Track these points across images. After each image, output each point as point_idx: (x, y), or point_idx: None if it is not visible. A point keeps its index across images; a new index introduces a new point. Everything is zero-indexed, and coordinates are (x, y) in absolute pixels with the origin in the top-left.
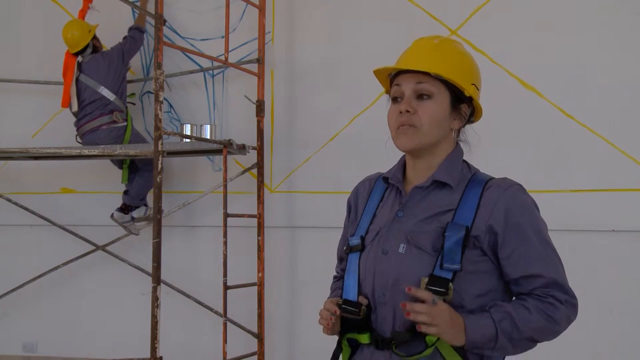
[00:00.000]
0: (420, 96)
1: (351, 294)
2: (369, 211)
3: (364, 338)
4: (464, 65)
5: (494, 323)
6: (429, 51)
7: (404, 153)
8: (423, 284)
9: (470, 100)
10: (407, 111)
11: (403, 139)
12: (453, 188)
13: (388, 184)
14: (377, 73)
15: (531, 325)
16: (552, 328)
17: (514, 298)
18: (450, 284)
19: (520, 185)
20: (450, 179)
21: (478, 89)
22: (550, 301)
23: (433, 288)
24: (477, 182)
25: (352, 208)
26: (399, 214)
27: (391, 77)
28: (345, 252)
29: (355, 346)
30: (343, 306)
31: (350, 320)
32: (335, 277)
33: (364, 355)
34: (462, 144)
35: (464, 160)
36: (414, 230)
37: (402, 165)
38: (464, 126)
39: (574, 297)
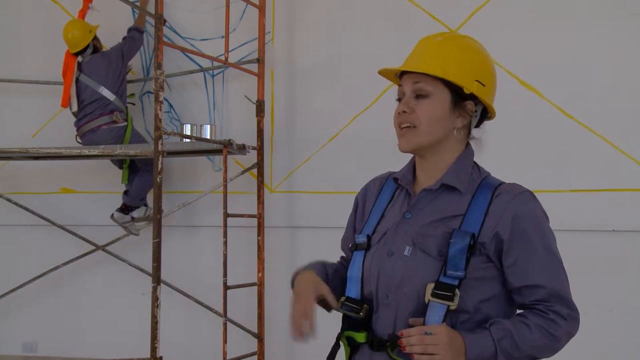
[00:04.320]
0: (418, 95)
1: (354, 292)
2: (377, 210)
3: (361, 337)
4: (465, 62)
5: (493, 342)
6: (429, 50)
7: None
8: (429, 289)
9: (476, 97)
10: (405, 111)
11: (402, 141)
12: (462, 193)
13: (398, 185)
14: (384, 75)
15: (531, 343)
16: (553, 345)
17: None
18: (457, 290)
19: (531, 193)
20: (459, 183)
21: (484, 85)
22: (551, 317)
23: (439, 292)
24: (486, 187)
25: (360, 206)
26: (407, 216)
27: (399, 77)
28: (350, 250)
29: (355, 345)
30: (345, 303)
31: (351, 318)
32: (340, 259)
33: (364, 356)
34: (473, 144)
35: (475, 163)
36: (420, 233)
37: (413, 166)
38: (477, 125)
39: (576, 311)
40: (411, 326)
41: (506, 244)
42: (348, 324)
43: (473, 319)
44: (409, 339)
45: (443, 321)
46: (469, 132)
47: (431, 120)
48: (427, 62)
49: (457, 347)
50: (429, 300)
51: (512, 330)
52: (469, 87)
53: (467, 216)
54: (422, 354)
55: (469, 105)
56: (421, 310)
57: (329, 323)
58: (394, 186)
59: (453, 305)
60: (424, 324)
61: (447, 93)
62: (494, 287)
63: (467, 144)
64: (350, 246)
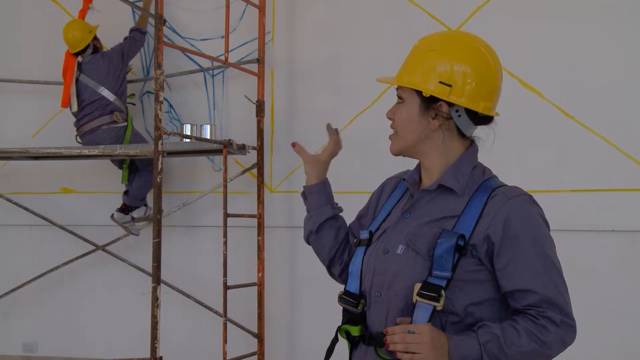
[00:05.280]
0: (399, 102)
1: (353, 286)
2: (386, 209)
3: (355, 330)
4: (428, 64)
5: (479, 345)
6: (408, 56)
7: None
8: (416, 289)
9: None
10: (389, 118)
11: (390, 145)
12: (458, 194)
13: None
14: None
15: (519, 349)
16: (543, 352)
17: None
18: (443, 291)
19: (529, 196)
20: (455, 184)
21: (449, 85)
22: (542, 323)
23: (425, 293)
24: (484, 189)
25: (373, 202)
26: (406, 215)
27: None
28: (354, 245)
29: (354, 340)
30: (343, 297)
31: (350, 312)
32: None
33: (361, 351)
34: (477, 143)
35: (480, 164)
36: (414, 232)
37: (419, 167)
38: (480, 123)
39: (571, 318)
40: (398, 324)
41: (497, 247)
42: (347, 317)
43: (464, 321)
44: (392, 337)
45: (429, 321)
46: (460, 133)
47: (403, 124)
48: (401, 70)
49: (441, 347)
50: (415, 300)
51: (500, 334)
52: (426, 89)
53: (461, 217)
54: (404, 352)
55: (442, 107)
56: (410, 309)
57: (330, 320)
58: (405, 186)
59: (439, 306)
60: (411, 323)
61: (416, 97)
62: (486, 291)
63: (471, 145)
64: (355, 241)
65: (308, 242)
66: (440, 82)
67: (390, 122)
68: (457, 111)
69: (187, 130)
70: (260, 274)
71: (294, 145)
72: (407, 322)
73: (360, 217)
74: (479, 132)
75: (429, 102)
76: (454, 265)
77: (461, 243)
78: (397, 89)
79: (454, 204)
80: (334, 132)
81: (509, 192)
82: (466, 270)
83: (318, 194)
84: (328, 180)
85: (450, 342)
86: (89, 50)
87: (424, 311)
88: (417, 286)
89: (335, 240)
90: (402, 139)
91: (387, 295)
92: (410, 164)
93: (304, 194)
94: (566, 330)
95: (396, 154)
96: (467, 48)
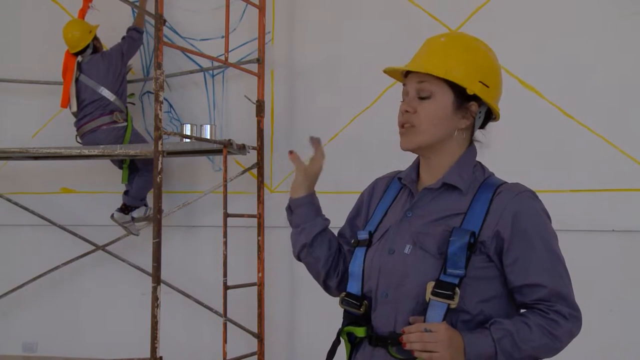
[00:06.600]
0: (422, 95)
1: (354, 288)
2: (381, 208)
3: (360, 331)
4: (469, 62)
5: (493, 342)
6: (434, 50)
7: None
8: (430, 288)
9: (479, 99)
10: (407, 111)
11: (403, 139)
12: (463, 192)
13: (402, 184)
14: (390, 73)
15: (532, 343)
16: (554, 346)
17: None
18: (457, 288)
19: (533, 192)
20: (460, 182)
21: (487, 86)
22: (552, 317)
23: (439, 291)
24: (488, 186)
25: (365, 202)
26: (408, 214)
27: (404, 76)
28: (352, 246)
29: (355, 342)
30: (345, 299)
31: (351, 313)
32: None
33: (365, 353)
34: (477, 146)
35: (479, 163)
36: (420, 231)
37: (417, 166)
38: (482, 126)
39: (578, 310)
40: (412, 324)
41: (506, 242)
42: (348, 319)
43: (475, 319)
44: (408, 336)
45: (443, 320)
46: (472, 133)
47: (432, 121)
48: (432, 63)
49: (456, 345)
50: (429, 298)
51: (513, 330)
52: (472, 88)
53: (467, 215)
54: (422, 350)
55: (473, 107)
56: (421, 309)
57: (330, 320)
58: (399, 185)
59: (453, 304)
60: (424, 322)
61: (450, 94)
62: (494, 288)
63: (471, 144)
64: (353, 242)
65: (299, 258)
66: (480, 82)
67: (401, 114)
68: (479, 112)
69: (187, 130)
70: (260, 274)
71: (291, 152)
72: (420, 321)
73: (351, 219)
74: (478, 135)
75: (462, 101)
76: (466, 262)
77: (472, 240)
78: (420, 82)
79: (458, 202)
80: (318, 143)
81: (514, 189)
82: (476, 267)
83: (307, 206)
84: (315, 192)
85: (465, 339)
86: (89, 50)
87: (438, 310)
88: (431, 285)
89: (329, 252)
90: (426, 134)
91: (396, 295)
92: (408, 163)
93: (289, 208)
94: (574, 322)
95: (411, 150)
96: (487, 52)
